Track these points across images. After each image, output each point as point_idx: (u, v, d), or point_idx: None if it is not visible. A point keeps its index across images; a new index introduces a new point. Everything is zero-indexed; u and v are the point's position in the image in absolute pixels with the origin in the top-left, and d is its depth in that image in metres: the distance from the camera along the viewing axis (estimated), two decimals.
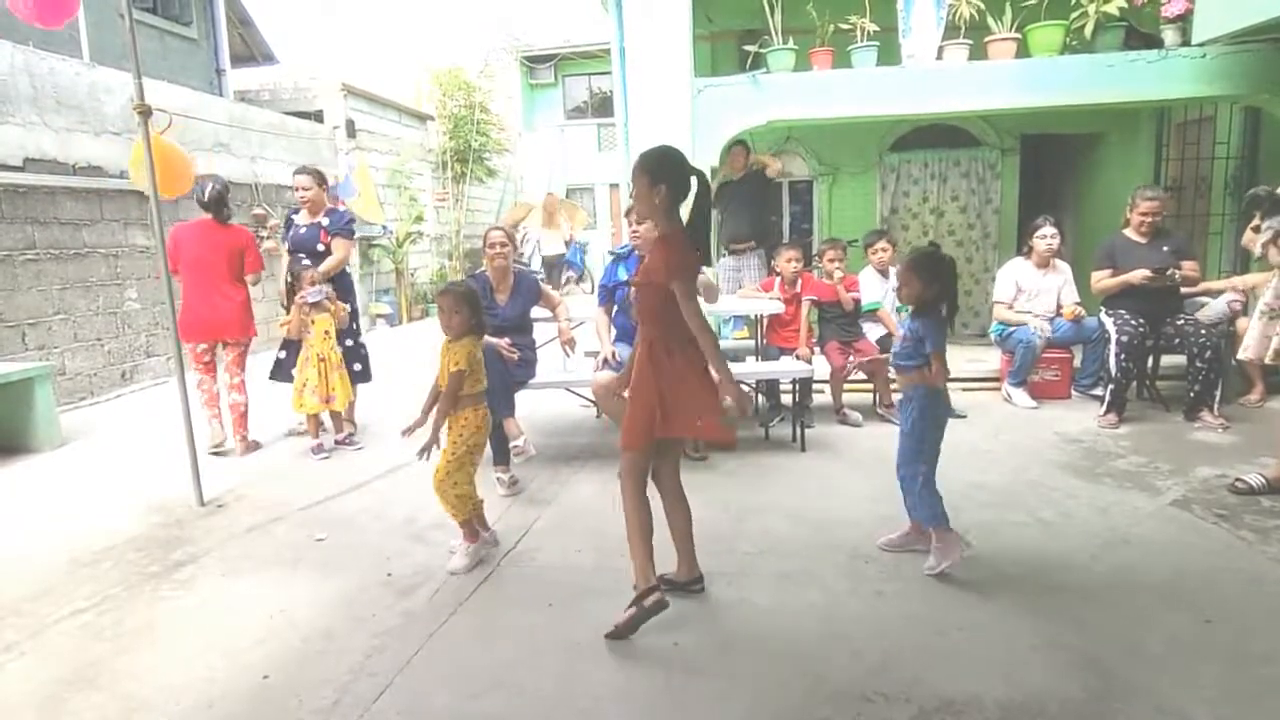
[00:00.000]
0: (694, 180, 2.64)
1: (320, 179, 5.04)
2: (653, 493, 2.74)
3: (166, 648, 2.67)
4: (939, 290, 2.95)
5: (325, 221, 4.98)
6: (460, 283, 3.37)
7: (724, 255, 6.81)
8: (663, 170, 2.60)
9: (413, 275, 12.43)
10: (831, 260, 5.23)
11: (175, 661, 2.57)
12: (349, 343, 4.94)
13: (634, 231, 4.19)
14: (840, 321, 5.27)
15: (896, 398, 3.52)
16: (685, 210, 2.69)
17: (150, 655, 2.62)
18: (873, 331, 5.37)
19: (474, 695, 2.34)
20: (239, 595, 3.02)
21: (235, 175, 8.77)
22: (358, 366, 5.01)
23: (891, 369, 3.21)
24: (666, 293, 2.56)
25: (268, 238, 8.67)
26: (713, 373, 2.60)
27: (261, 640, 2.67)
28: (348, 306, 4.92)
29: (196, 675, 2.49)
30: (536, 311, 4.65)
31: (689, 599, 2.83)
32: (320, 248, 4.91)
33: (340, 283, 4.94)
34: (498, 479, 4.03)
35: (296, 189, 4.95)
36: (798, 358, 5.00)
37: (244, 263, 4.83)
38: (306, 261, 4.83)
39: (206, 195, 4.73)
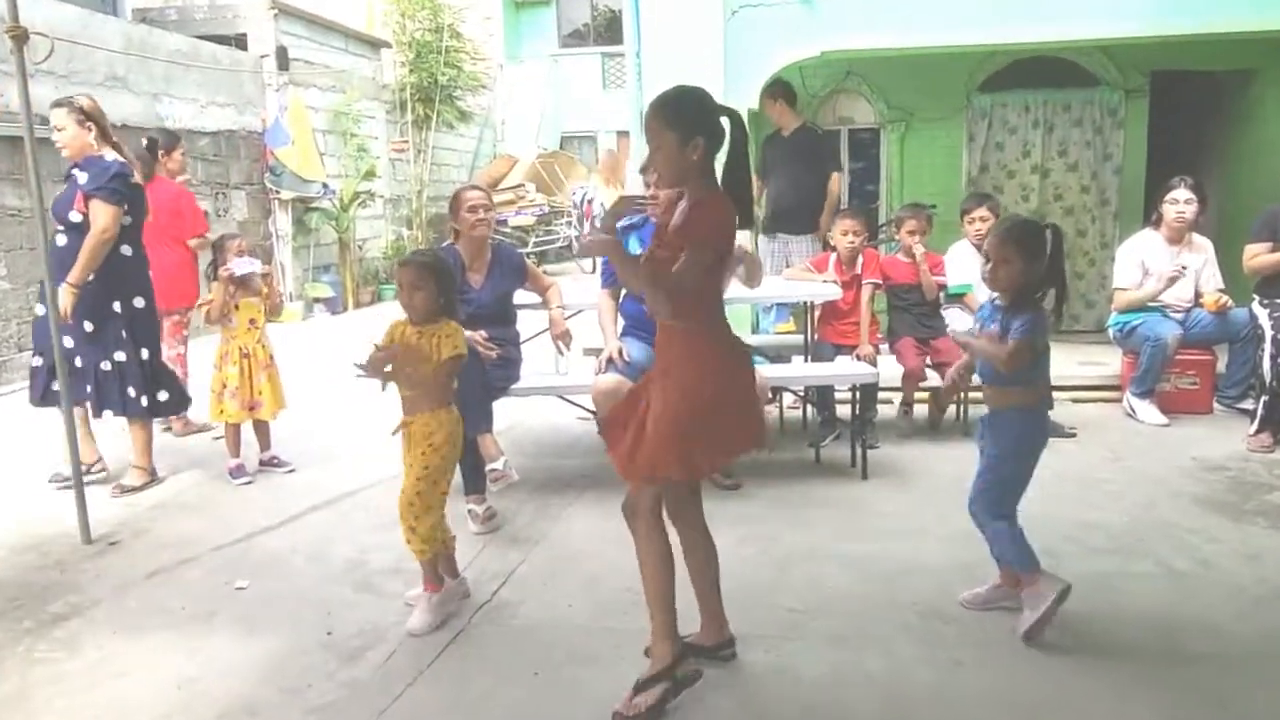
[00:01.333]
0: (726, 123, 2.62)
1: (82, 115, 4.36)
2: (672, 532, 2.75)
3: None
4: (1043, 273, 2.92)
5: (82, 177, 4.35)
6: (429, 252, 3.39)
7: (763, 236, 6.74)
8: (697, 117, 2.56)
9: (361, 248, 12.51)
10: (912, 232, 5.23)
11: None
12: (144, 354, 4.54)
13: (653, 195, 4.18)
14: (918, 311, 5.28)
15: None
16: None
17: None
18: (960, 323, 5.36)
19: None
20: (136, 658, 3.04)
21: (133, 117, 8.87)
22: (162, 395, 4.64)
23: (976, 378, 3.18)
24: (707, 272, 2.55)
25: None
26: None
27: (165, 716, 2.69)
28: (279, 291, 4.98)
29: None
30: (521, 296, 4.68)
31: (717, 668, 2.83)
32: (76, 217, 4.34)
33: (121, 270, 4.43)
34: (470, 511, 4.05)
35: (53, 129, 4.40)
36: (859, 358, 5.01)
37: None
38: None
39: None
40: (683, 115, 2.56)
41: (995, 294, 3.07)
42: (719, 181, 2.64)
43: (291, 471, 4.92)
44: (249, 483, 4.76)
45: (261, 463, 4.94)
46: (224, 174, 10.31)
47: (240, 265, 4.73)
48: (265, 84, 11.01)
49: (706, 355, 2.60)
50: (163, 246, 5.37)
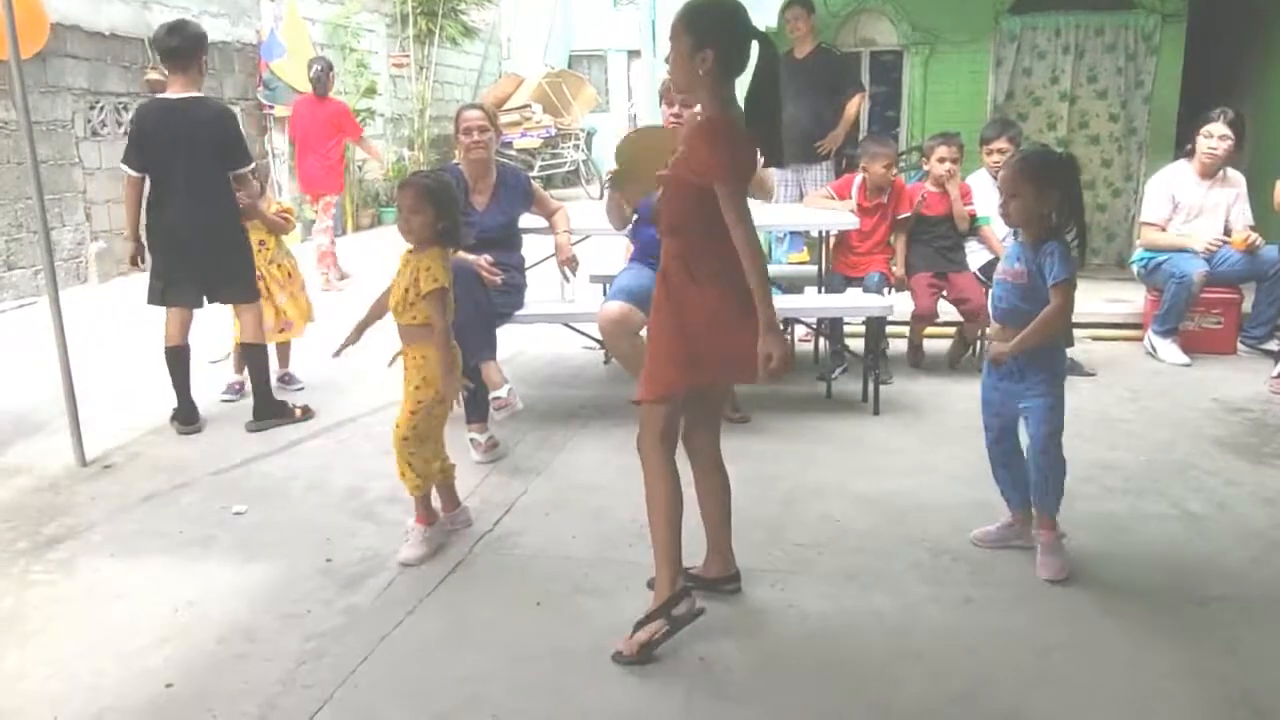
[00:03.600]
0: (756, 46, 2.54)
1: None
2: (682, 463, 2.74)
3: (40, 646, 2.73)
4: (1056, 205, 2.86)
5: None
6: (429, 173, 3.34)
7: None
8: (712, 27, 2.50)
9: (361, 169, 12.35)
10: (943, 160, 5.14)
11: (51, 663, 2.63)
12: None
13: (674, 114, 4.08)
14: (941, 245, 5.20)
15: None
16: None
17: (18, 655, 2.68)
18: (976, 257, 5.31)
19: (438, 716, 2.39)
20: (134, 582, 3.07)
21: (121, 26, 8.69)
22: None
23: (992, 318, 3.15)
24: (705, 196, 2.49)
25: None
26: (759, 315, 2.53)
27: (164, 639, 2.72)
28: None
29: (79, 681, 2.54)
30: (527, 220, 4.62)
31: (720, 601, 2.85)
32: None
33: None
34: (472, 440, 4.06)
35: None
36: (888, 282, 5.04)
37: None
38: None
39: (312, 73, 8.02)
40: (698, 22, 2.51)
41: (1016, 230, 3.03)
42: (744, 111, 2.57)
43: (300, 389, 4.99)
44: (232, 401, 4.84)
45: (278, 380, 4.96)
46: (217, 88, 10.09)
47: None
48: None
49: (703, 274, 2.58)
50: (324, 148, 8.03)
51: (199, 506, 3.64)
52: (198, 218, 4.34)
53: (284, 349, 5.08)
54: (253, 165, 4.60)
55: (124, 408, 4.78)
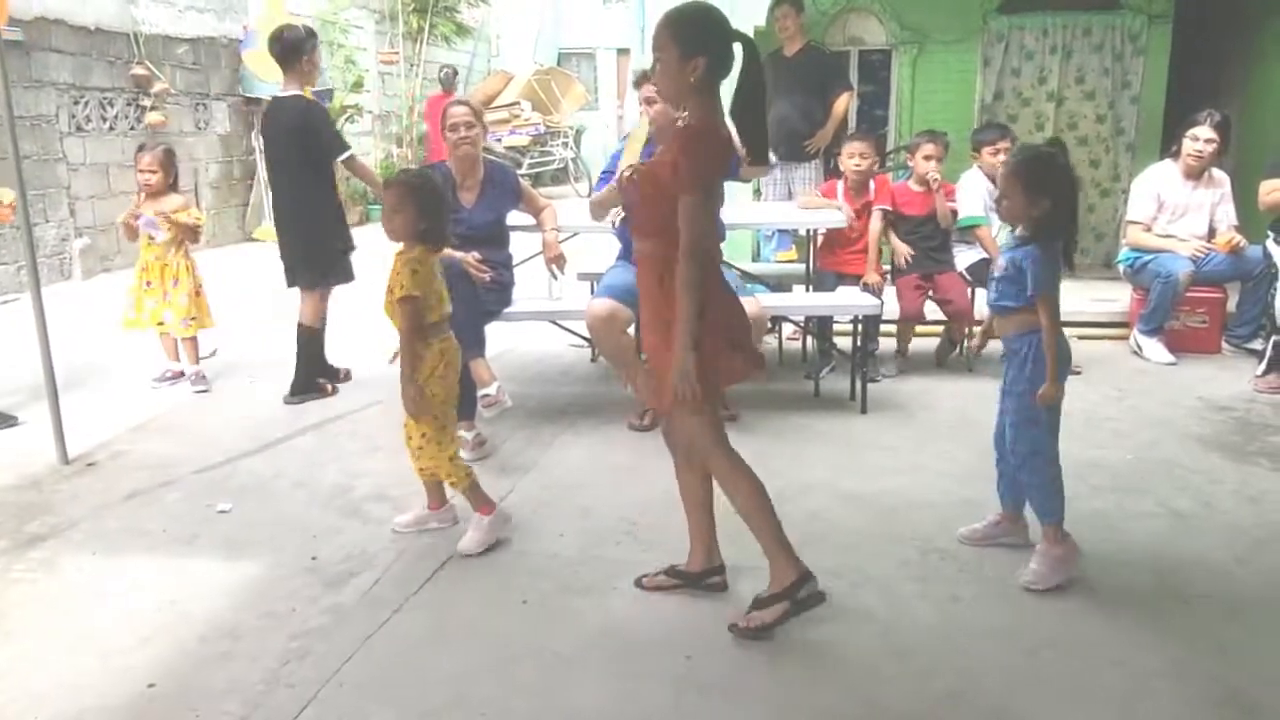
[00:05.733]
0: (739, 49, 2.55)
1: None
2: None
3: (20, 645, 2.70)
4: (1050, 207, 2.84)
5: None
6: (417, 172, 3.32)
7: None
8: (701, 35, 2.51)
9: None
10: (929, 157, 5.13)
11: (31, 662, 2.61)
12: None
13: (646, 98, 4.10)
14: (927, 245, 5.19)
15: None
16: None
17: None
18: (964, 258, 5.31)
19: (424, 715, 2.37)
20: (116, 580, 3.05)
21: (107, 21, 8.62)
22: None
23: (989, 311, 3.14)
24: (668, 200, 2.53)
25: (152, 107, 8.58)
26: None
27: (146, 638, 2.70)
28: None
29: (60, 680, 2.52)
30: (515, 218, 4.60)
31: (707, 599, 2.85)
32: None
33: None
34: (459, 437, 4.02)
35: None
36: (866, 287, 4.96)
37: None
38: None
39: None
40: (686, 30, 2.52)
41: (1011, 227, 3.04)
42: (729, 112, 2.59)
43: (205, 391, 4.98)
44: (203, 391, 4.97)
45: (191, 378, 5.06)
46: (203, 83, 10.05)
47: (145, 224, 4.92)
48: None
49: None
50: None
51: (183, 504, 3.61)
52: (280, 205, 4.99)
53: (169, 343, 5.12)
54: (346, 154, 4.79)
55: (107, 405, 4.74)
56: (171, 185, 5.07)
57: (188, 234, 5.02)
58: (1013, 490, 3.12)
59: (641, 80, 4.20)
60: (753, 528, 2.69)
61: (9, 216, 4.66)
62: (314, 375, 4.88)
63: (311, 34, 4.88)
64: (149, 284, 4.96)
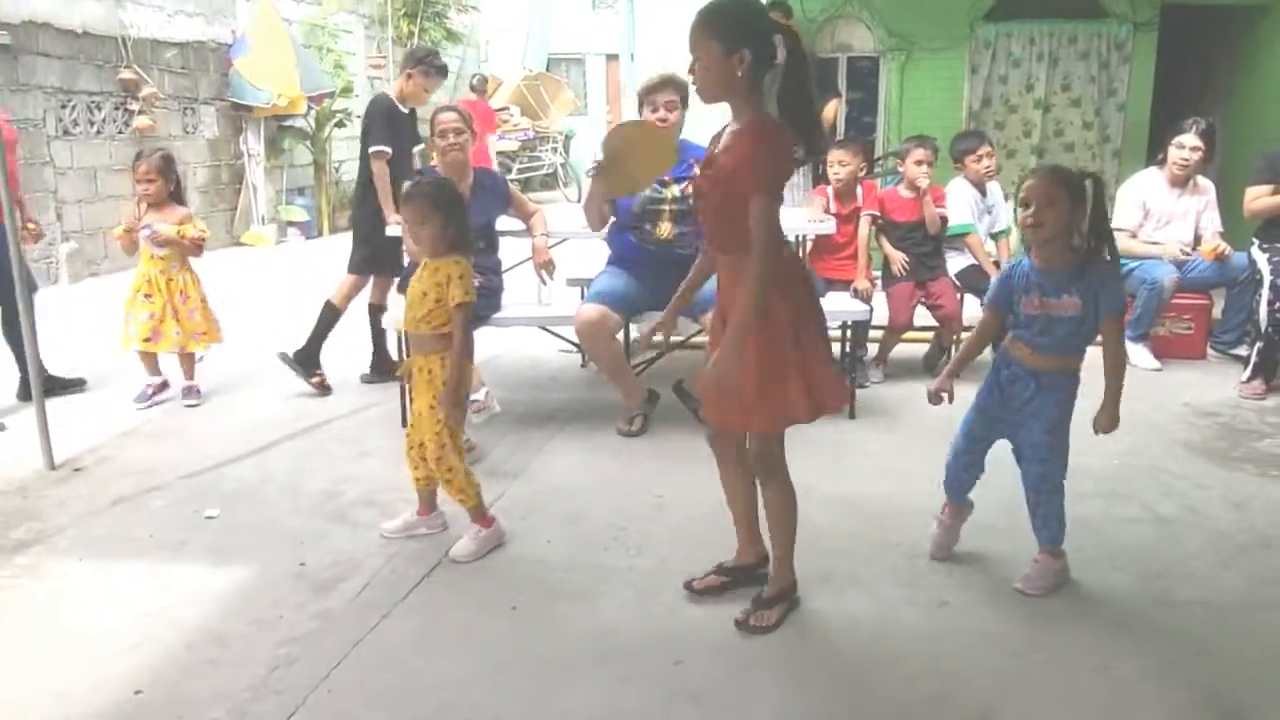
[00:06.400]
0: (780, 42, 2.47)
1: None
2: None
3: (5, 651, 2.69)
4: (1084, 220, 2.74)
5: None
6: (428, 180, 3.27)
7: None
8: (743, 26, 2.42)
9: (338, 170, 12.27)
10: (919, 162, 5.15)
11: (16, 669, 2.59)
12: None
13: (659, 119, 4.06)
14: (920, 253, 5.20)
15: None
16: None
17: None
18: (953, 264, 5.32)
19: None
20: (103, 586, 3.04)
21: (94, 24, 8.60)
22: None
23: (1020, 344, 2.94)
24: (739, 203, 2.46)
25: (140, 111, 8.55)
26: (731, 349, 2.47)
27: (134, 645, 2.69)
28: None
29: (46, 688, 2.51)
30: (504, 223, 4.61)
31: (696, 604, 2.86)
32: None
33: None
34: None
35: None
36: (856, 293, 4.98)
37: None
38: None
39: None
40: (728, 23, 2.43)
41: (1027, 256, 2.88)
42: (777, 106, 2.51)
43: (195, 405, 4.82)
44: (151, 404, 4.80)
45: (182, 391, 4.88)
46: (192, 88, 10.03)
47: (146, 236, 4.64)
48: None
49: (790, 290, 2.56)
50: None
51: (170, 510, 3.60)
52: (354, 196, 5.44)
53: (183, 361, 4.87)
54: (380, 148, 4.86)
55: (94, 410, 4.72)
56: (173, 194, 4.79)
57: (192, 249, 4.79)
58: (965, 483, 3.09)
59: (660, 87, 4.10)
60: (781, 534, 2.77)
61: (33, 242, 4.56)
62: (316, 352, 4.94)
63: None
64: (148, 296, 4.69)
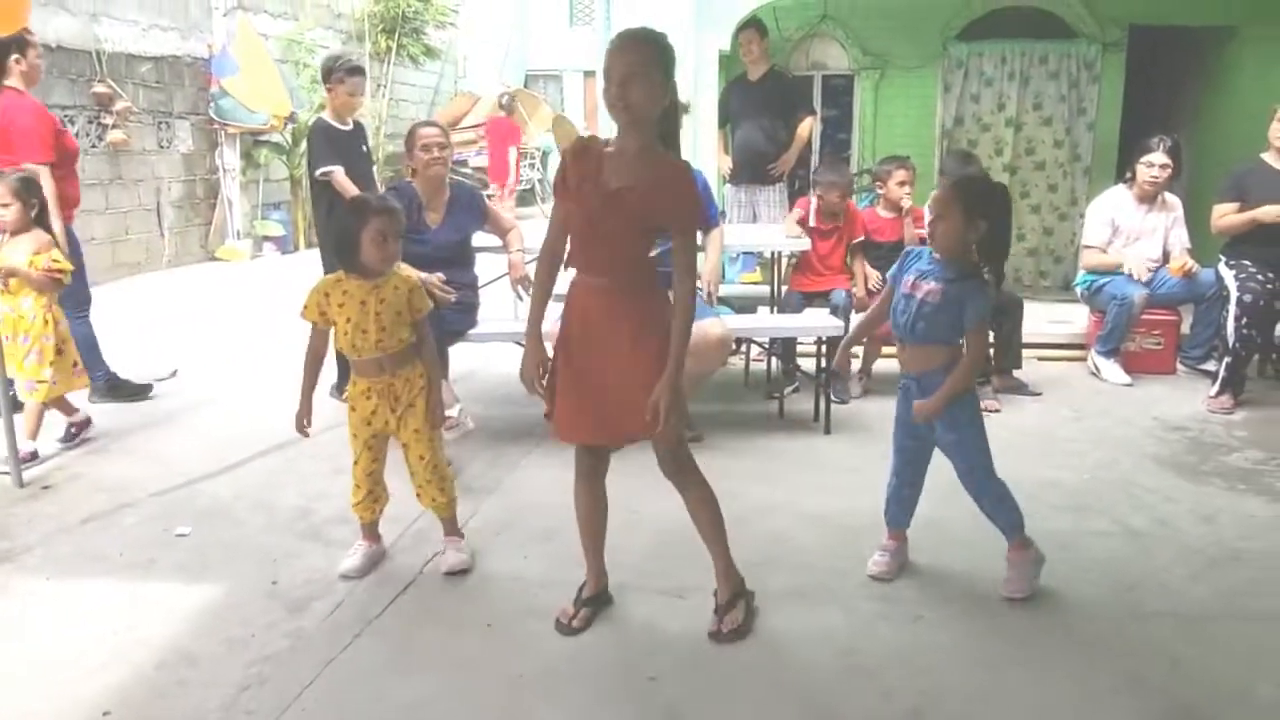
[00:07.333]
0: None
1: None
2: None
3: None
4: (981, 236, 2.80)
5: None
6: (375, 196, 3.30)
7: (727, 183, 6.74)
8: (671, 69, 2.53)
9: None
10: (902, 183, 5.21)
11: None
12: None
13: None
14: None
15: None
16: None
17: None
18: None
19: None
20: (71, 605, 3.00)
21: (69, 38, 8.54)
22: None
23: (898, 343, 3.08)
24: (648, 233, 2.64)
25: (114, 125, 8.48)
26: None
27: (102, 665, 2.65)
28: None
29: (12, 709, 2.47)
30: (480, 239, 4.60)
31: (671, 619, 2.86)
32: None
33: None
34: None
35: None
36: (835, 309, 5.04)
37: None
38: None
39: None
40: (667, 59, 2.52)
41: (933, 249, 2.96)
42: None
43: (80, 443, 4.43)
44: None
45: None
46: (167, 102, 9.97)
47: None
48: (212, 7, 10.62)
49: (661, 312, 2.63)
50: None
51: (140, 528, 3.56)
52: None
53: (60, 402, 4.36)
54: (322, 170, 4.83)
55: (63, 425, 4.65)
56: (37, 219, 4.20)
57: (46, 282, 4.14)
58: (909, 513, 3.16)
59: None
60: (714, 534, 2.79)
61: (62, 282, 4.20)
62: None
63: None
64: (7, 338, 4.11)
